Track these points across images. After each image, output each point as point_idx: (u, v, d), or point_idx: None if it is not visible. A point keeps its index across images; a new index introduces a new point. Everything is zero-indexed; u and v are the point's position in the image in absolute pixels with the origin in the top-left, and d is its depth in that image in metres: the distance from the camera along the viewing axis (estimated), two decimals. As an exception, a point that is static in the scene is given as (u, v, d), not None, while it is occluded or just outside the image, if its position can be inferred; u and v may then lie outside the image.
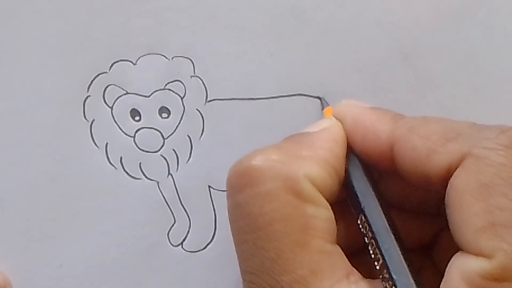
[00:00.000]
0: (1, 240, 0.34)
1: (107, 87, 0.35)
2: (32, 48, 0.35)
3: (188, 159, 0.35)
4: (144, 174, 0.35)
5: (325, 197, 0.28)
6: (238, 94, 0.35)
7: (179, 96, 0.35)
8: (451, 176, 0.27)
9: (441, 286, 0.26)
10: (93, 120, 0.35)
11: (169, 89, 0.35)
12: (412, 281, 0.27)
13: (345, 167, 0.30)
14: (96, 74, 0.35)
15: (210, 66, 0.35)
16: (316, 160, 0.29)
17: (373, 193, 0.30)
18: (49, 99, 0.35)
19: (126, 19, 0.35)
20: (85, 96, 0.35)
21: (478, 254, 0.25)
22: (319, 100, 0.35)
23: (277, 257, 0.27)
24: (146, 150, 0.35)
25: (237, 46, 0.35)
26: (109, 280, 0.34)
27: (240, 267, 0.29)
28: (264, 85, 0.35)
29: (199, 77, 0.35)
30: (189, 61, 0.35)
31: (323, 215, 0.28)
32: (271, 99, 0.35)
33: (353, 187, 0.30)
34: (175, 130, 0.35)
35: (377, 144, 0.29)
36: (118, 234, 0.35)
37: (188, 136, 0.35)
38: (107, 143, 0.35)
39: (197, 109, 0.35)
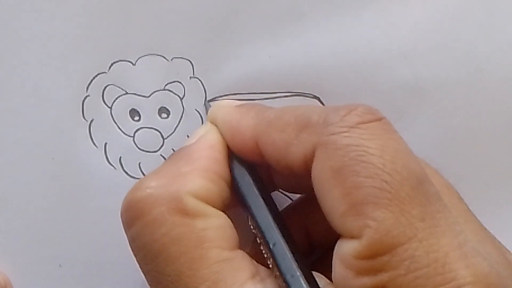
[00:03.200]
0: (1, 240, 0.34)
1: (106, 87, 0.35)
2: (32, 48, 0.34)
3: (188, 159, 0.35)
4: (143, 174, 0.35)
5: (216, 206, 0.29)
6: (237, 95, 0.35)
7: (179, 96, 0.35)
8: (310, 167, 0.27)
9: (332, 274, 0.27)
10: (92, 120, 0.35)
11: (169, 90, 0.35)
12: (299, 273, 0.27)
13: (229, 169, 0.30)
14: (96, 74, 0.35)
15: (209, 67, 0.35)
16: (196, 172, 0.29)
17: (256, 191, 0.30)
18: (48, 98, 0.35)
19: (126, 20, 0.34)
20: (84, 96, 0.35)
21: (349, 236, 0.26)
22: (317, 100, 0.35)
23: (179, 278, 0.27)
24: (145, 150, 0.35)
25: (235, 48, 0.35)
26: (109, 280, 0.35)
27: None
28: (263, 86, 0.35)
29: (198, 78, 0.35)
30: (188, 62, 0.35)
31: (215, 225, 0.28)
32: (269, 100, 0.35)
33: (238, 188, 0.30)
34: (174, 130, 0.35)
35: (244, 141, 0.30)
36: (118, 234, 0.34)
37: (188, 136, 0.35)
38: (106, 143, 0.35)
39: (196, 110, 0.35)
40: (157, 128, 0.35)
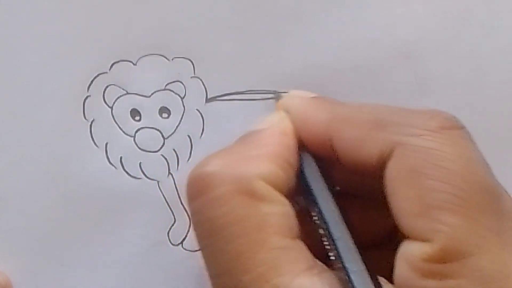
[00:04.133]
0: (1, 240, 0.34)
1: (107, 87, 0.35)
2: (32, 48, 0.34)
3: (189, 159, 0.35)
4: (144, 174, 0.35)
5: (281, 192, 0.29)
6: (238, 94, 0.35)
7: (179, 96, 0.35)
8: (385, 165, 0.27)
9: (393, 275, 0.27)
10: (93, 120, 0.35)
11: (169, 90, 0.35)
12: (364, 267, 0.27)
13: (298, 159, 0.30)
14: (96, 74, 0.35)
15: (210, 67, 0.35)
16: (267, 157, 0.29)
17: (323, 183, 0.30)
18: (49, 99, 0.35)
19: (127, 20, 0.34)
20: (85, 96, 0.35)
21: (419, 239, 0.26)
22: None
23: (237, 257, 0.27)
24: (146, 150, 0.35)
25: (237, 47, 0.35)
26: (110, 280, 0.35)
27: (208, 272, 0.29)
28: (264, 86, 0.35)
29: (199, 78, 0.35)
30: (189, 62, 0.35)
31: (279, 211, 0.28)
32: (270, 99, 0.35)
33: (305, 178, 0.30)
34: (175, 130, 0.35)
35: (317, 134, 0.30)
36: (118, 233, 0.35)
37: (188, 136, 0.35)
38: (107, 143, 0.35)
39: (197, 109, 0.35)
40: (158, 128, 0.35)
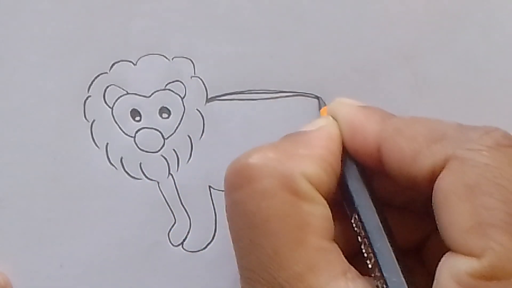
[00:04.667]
0: (1, 240, 0.34)
1: (107, 87, 0.35)
2: (33, 48, 0.35)
3: (189, 159, 0.35)
4: (144, 174, 0.35)
5: (322, 195, 0.28)
6: (238, 94, 0.35)
7: (180, 96, 0.35)
8: (436, 178, 0.27)
9: (433, 287, 0.26)
10: (94, 120, 0.35)
11: (170, 90, 0.35)
12: (403, 279, 0.27)
13: (341, 165, 0.30)
14: (97, 74, 0.35)
15: (210, 67, 0.35)
16: (313, 158, 0.29)
17: (366, 191, 0.30)
18: (49, 99, 0.35)
19: (127, 20, 0.35)
20: (86, 97, 0.35)
21: (467, 254, 0.25)
22: (317, 100, 0.35)
23: (274, 254, 0.27)
24: (146, 150, 0.35)
25: (237, 47, 0.35)
26: (109, 280, 0.35)
27: (238, 264, 0.29)
28: (264, 86, 0.35)
29: (199, 78, 0.35)
30: (189, 61, 0.35)
31: (320, 213, 0.28)
32: (270, 99, 0.35)
33: (347, 185, 0.30)
34: (175, 130, 0.35)
35: (365, 144, 0.30)
36: (119, 234, 0.35)
37: (189, 136, 0.35)
38: (107, 143, 0.35)
39: (197, 109, 0.35)
40: (157, 128, 0.35)
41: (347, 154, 0.30)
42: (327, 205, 0.29)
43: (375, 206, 0.29)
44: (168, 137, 0.35)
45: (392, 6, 0.35)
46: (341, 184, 0.30)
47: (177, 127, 0.35)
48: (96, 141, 0.35)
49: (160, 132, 0.35)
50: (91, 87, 0.35)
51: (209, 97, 0.35)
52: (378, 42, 0.35)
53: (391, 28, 0.35)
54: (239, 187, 0.28)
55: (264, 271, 0.27)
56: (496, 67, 0.35)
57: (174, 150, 0.35)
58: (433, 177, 0.27)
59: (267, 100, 0.35)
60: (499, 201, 0.25)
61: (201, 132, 0.35)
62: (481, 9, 0.35)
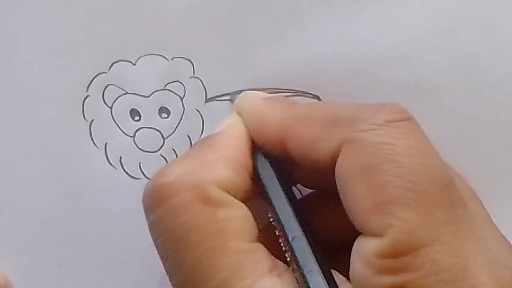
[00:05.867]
0: (1, 240, 0.34)
1: (106, 87, 0.35)
2: (31, 48, 0.35)
3: (188, 159, 0.35)
4: (143, 174, 0.35)
5: (238, 197, 0.29)
6: (237, 94, 0.35)
7: (179, 96, 0.35)
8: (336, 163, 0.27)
9: (349, 272, 0.26)
10: (93, 120, 0.35)
11: (169, 90, 0.35)
12: (317, 267, 0.27)
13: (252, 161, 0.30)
14: (96, 74, 0.35)
15: (209, 67, 0.35)
16: (222, 162, 0.29)
17: (278, 184, 0.30)
18: (48, 99, 0.35)
19: (126, 19, 0.34)
20: (85, 96, 0.35)
21: (371, 234, 0.25)
22: (318, 100, 0.35)
23: (197, 265, 0.27)
24: (145, 150, 0.35)
25: (236, 47, 0.35)
26: (109, 280, 0.35)
27: (170, 283, 0.29)
28: (263, 85, 0.35)
29: (198, 78, 0.35)
30: (189, 61, 0.35)
31: (237, 216, 0.28)
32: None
33: (260, 180, 0.30)
34: (174, 130, 0.35)
35: (270, 135, 0.30)
36: (118, 233, 0.35)
37: (188, 136, 0.35)
38: (106, 143, 0.35)
39: (196, 109, 0.35)
40: (157, 128, 0.35)
41: (256, 149, 0.30)
42: (244, 206, 0.29)
43: (289, 198, 0.29)
44: (167, 137, 0.35)
45: (390, 6, 0.35)
46: (256, 179, 0.30)
47: (176, 127, 0.35)
48: (95, 141, 0.35)
49: (159, 132, 0.35)
50: (90, 86, 0.35)
51: (208, 97, 0.35)
52: (376, 41, 0.35)
53: (389, 28, 0.35)
54: (155, 207, 0.28)
55: (191, 285, 0.27)
56: (495, 66, 0.35)
57: (173, 150, 0.35)
58: (333, 162, 0.27)
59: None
60: (393, 177, 0.25)
61: (201, 132, 0.35)
62: (479, 8, 0.35)
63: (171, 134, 0.35)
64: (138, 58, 0.35)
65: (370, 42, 0.35)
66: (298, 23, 0.35)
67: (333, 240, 0.31)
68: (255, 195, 0.30)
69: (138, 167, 0.35)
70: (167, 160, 0.35)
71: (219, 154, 0.29)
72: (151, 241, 0.34)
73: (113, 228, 0.34)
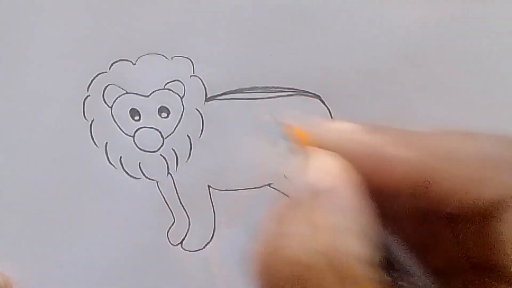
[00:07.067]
0: (1, 240, 0.34)
1: (106, 86, 0.35)
2: (33, 49, 0.35)
3: (188, 159, 0.35)
4: (143, 174, 0.35)
5: None
6: (237, 93, 0.35)
7: (179, 95, 0.35)
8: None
9: None
10: (93, 119, 0.35)
11: (169, 89, 0.35)
12: None
13: None
14: (96, 74, 0.35)
15: (209, 66, 0.35)
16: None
17: None
18: (49, 98, 0.35)
19: (126, 19, 0.35)
20: (85, 96, 0.35)
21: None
22: (318, 100, 0.35)
23: None
24: (145, 149, 0.35)
25: (236, 46, 0.35)
26: (109, 280, 0.35)
27: None
28: (263, 85, 0.35)
29: (198, 77, 0.35)
30: (189, 61, 0.35)
31: None
32: (270, 99, 0.35)
33: None
34: (174, 130, 0.35)
35: (396, 178, 0.23)
36: (118, 233, 0.35)
37: (188, 136, 0.35)
38: (106, 143, 0.35)
39: (196, 109, 0.35)
40: (157, 128, 0.35)
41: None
42: None
43: None
44: (167, 137, 0.35)
45: (393, 6, 0.35)
46: None
47: (176, 127, 0.35)
48: (95, 140, 0.35)
49: (159, 131, 0.35)
50: (91, 86, 0.35)
51: (208, 96, 0.35)
52: (381, 42, 0.35)
53: (394, 28, 0.35)
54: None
55: None
56: (501, 68, 0.35)
57: (173, 149, 0.35)
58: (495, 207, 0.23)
59: (267, 100, 0.35)
60: None
61: (200, 131, 0.35)
62: (485, 9, 0.35)
63: (171, 134, 0.35)
64: (138, 58, 0.35)
65: (372, 42, 0.35)
66: (299, 23, 0.35)
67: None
68: None
69: (138, 166, 0.35)
70: (167, 159, 0.35)
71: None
72: (150, 240, 0.35)
73: (112, 227, 0.34)
